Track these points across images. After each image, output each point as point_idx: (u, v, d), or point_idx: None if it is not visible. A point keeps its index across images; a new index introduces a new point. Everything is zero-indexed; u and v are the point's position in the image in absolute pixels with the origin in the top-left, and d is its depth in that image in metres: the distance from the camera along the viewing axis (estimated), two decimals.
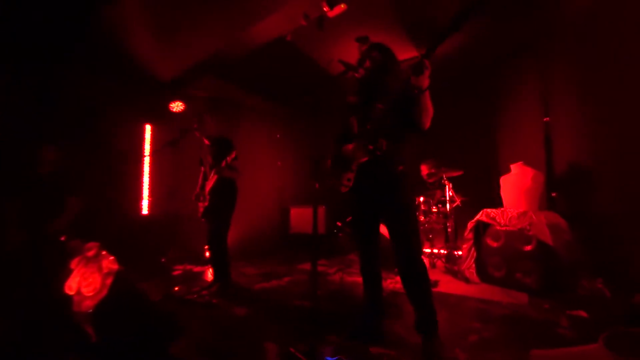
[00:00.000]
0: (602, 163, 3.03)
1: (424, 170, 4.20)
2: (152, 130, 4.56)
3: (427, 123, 1.73)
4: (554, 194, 3.53)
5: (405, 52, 4.09)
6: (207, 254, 3.85)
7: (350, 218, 2.07)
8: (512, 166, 3.39)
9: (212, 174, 2.90)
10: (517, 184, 3.31)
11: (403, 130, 1.82)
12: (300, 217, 5.64)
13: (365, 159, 1.81)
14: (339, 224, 4.68)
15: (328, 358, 1.57)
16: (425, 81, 1.59)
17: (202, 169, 3.16)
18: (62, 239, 2.67)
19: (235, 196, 3.02)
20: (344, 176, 1.90)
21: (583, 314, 2.23)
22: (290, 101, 5.80)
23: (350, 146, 1.90)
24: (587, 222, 3.08)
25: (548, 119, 3.68)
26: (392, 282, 3.13)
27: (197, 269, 3.97)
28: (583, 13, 3.16)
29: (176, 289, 2.99)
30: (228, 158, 2.76)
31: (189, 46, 3.83)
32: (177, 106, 4.48)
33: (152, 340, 1.67)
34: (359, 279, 2.04)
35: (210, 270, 3.19)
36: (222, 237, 2.93)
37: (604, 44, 3.00)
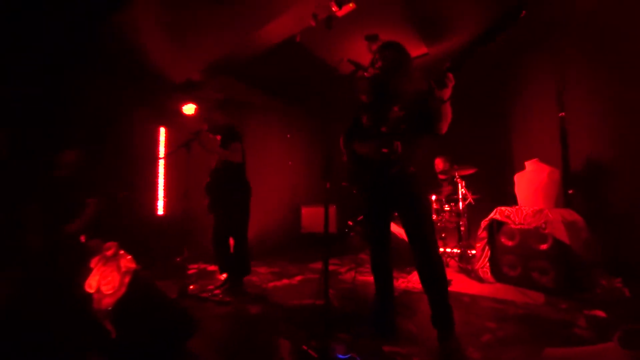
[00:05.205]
0: (621, 158, 2.95)
1: (439, 164, 4.15)
2: (167, 133, 4.67)
3: (445, 129, 1.73)
4: (570, 191, 3.44)
5: (415, 50, 4.06)
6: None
7: (362, 217, 2.08)
8: (527, 163, 3.32)
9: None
10: (532, 181, 3.24)
11: (418, 134, 1.81)
12: (312, 217, 5.67)
13: (379, 160, 1.81)
14: (350, 223, 4.68)
15: (340, 356, 1.58)
16: (448, 93, 1.56)
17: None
18: (82, 239, 2.76)
19: (249, 201, 3.09)
20: (362, 179, 1.92)
21: (601, 313, 2.18)
22: (301, 101, 5.83)
23: (363, 147, 1.89)
24: (605, 220, 3.00)
25: (563, 114, 3.59)
26: (404, 282, 3.12)
27: (210, 267, 4.03)
28: (598, 4, 3.07)
29: (191, 287, 3.05)
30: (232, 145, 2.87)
31: (202, 48, 3.90)
32: (189, 109, 4.56)
33: (170, 337, 1.72)
34: (371, 279, 2.05)
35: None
36: (240, 234, 3.02)
37: (620, 35, 2.91)
